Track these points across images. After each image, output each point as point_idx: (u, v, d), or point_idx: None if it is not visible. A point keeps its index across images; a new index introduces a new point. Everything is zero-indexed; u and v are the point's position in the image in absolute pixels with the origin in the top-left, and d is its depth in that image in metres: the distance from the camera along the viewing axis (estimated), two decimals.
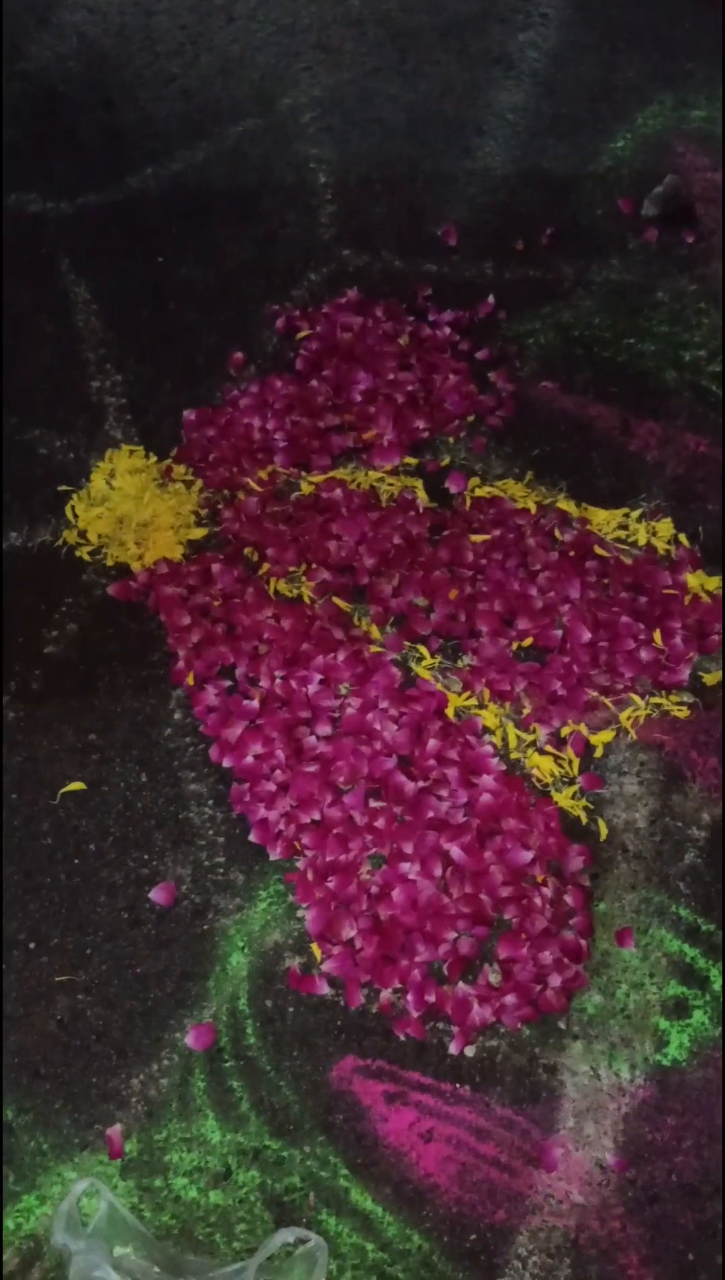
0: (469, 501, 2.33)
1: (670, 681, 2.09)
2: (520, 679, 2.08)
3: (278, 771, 2.00)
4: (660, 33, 2.82)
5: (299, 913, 1.90)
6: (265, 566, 2.26)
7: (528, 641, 2.13)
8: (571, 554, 2.22)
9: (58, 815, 2.02)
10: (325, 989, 1.83)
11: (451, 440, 2.45)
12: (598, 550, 2.23)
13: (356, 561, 2.23)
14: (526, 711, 2.06)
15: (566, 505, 2.32)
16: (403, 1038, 1.79)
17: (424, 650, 2.14)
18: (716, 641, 2.12)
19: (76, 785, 2.05)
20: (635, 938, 1.86)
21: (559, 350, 2.58)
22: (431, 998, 1.79)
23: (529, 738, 2.04)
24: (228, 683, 2.13)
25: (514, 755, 2.02)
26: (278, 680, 2.09)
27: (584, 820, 1.97)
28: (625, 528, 2.29)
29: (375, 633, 2.16)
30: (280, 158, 2.90)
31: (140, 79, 2.90)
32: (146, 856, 1.98)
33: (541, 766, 2.01)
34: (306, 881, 1.90)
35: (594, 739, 2.04)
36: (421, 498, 2.34)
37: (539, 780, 2.00)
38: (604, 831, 1.96)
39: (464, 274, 2.72)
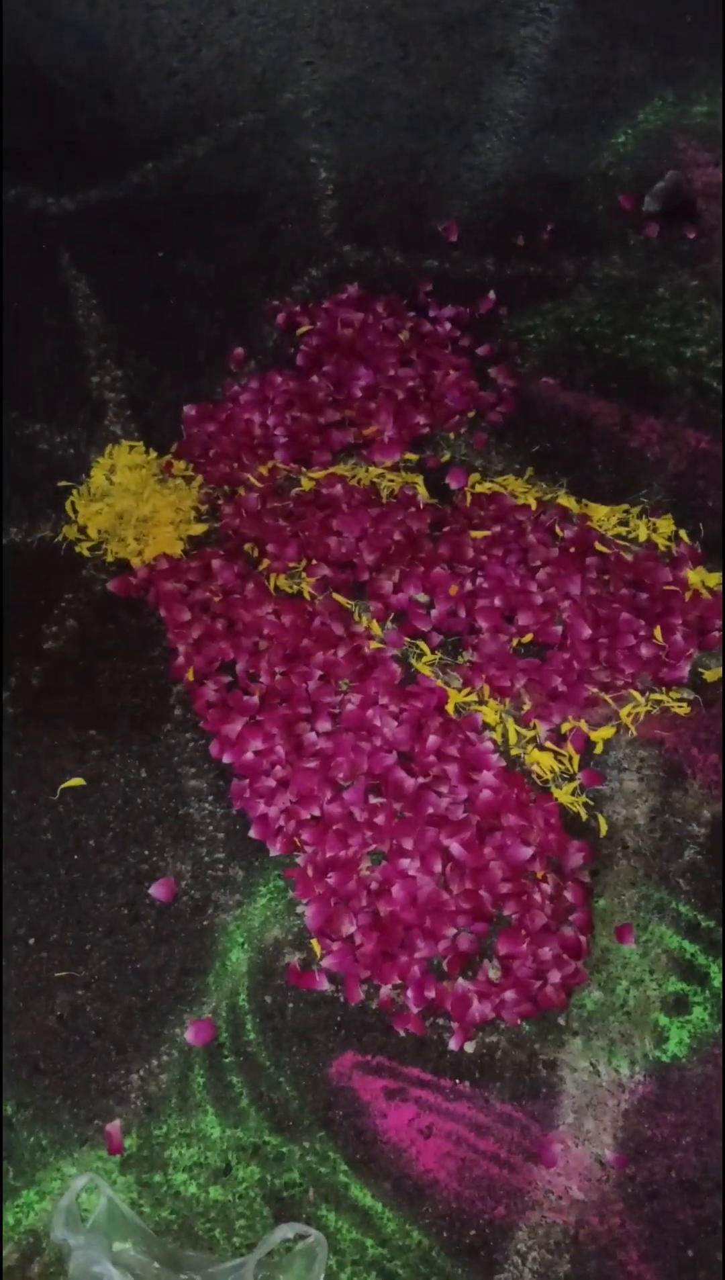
0: (469, 498, 2.33)
1: (670, 678, 2.09)
2: (520, 675, 2.08)
3: (278, 767, 2.00)
4: (661, 28, 2.81)
5: (299, 908, 1.90)
6: (265, 562, 2.26)
7: (528, 638, 2.13)
8: (572, 550, 2.22)
9: (57, 811, 2.02)
10: (325, 985, 1.83)
11: (452, 436, 2.45)
12: (598, 546, 2.23)
13: (357, 557, 2.23)
14: (527, 708, 2.06)
15: (567, 501, 2.32)
16: (402, 1034, 1.79)
17: (424, 646, 2.14)
18: (717, 638, 2.12)
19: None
20: (635, 934, 1.86)
21: (560, 346, 2.58)
22: (431, 994, 1.79)
23: (529, 734, 2.04)
24: (228, 678, 2.13)
25: (514, 751, 2.02)
26: (278, 676, 2.09)
27: (584, 816, 1.97)
28: (626, 524, 2.28)
29: (375, 629, 2.16)
30: (281, 153, 2.90)
31: (141, 73, 2.90)
32: (146, 852, 1.98)
33: (542, 763, 2.01)
34: (306, 877, 1.90)
35: (594, 735, 2.04)
36: (422, 494, 2.34)
37: (539, 776, 2.00)
38: (604, 828, 1.96)
39: (465, 270, 2.71)
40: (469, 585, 2.18)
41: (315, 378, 2.51)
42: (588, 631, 2.11)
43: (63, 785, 2.04)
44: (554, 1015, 1.80)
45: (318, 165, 2.88)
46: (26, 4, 2.89)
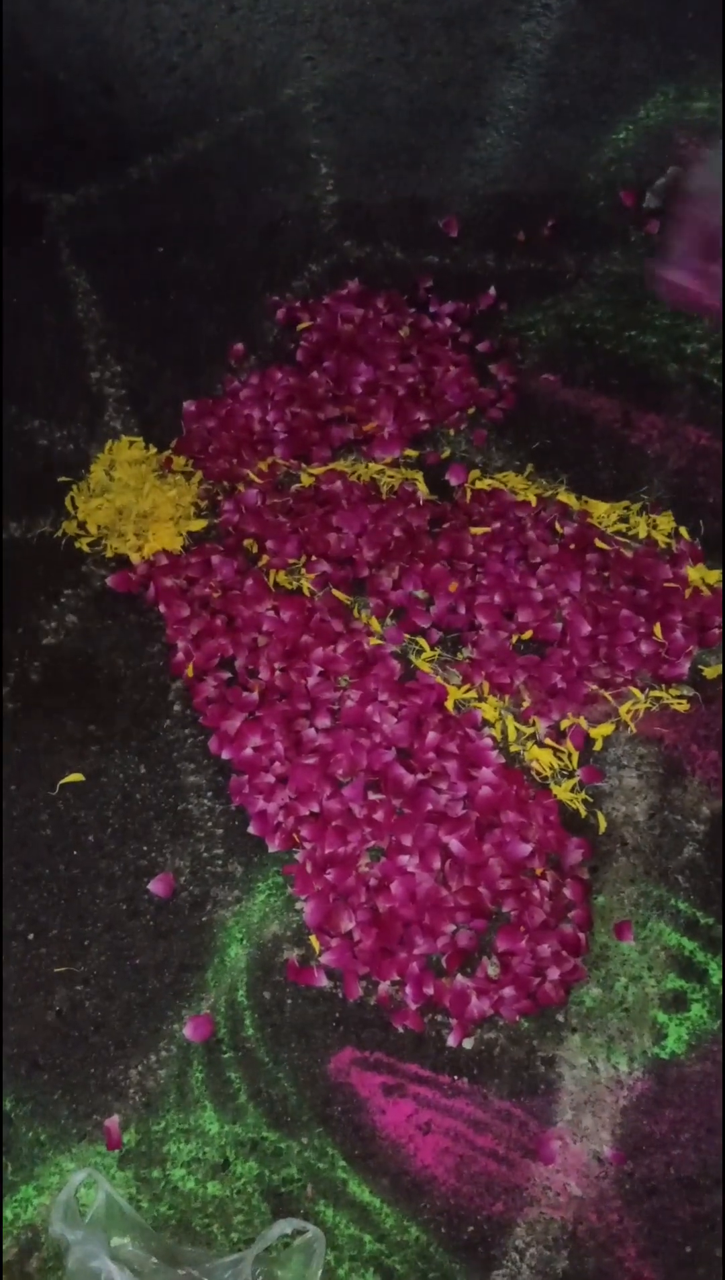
0: (469, 494, 2.33)
1: (670, 675, 2.09)
2: (520, 672, 2.08)
3: (277, 764, 2.00)
4: (663, 24, 2.81)
5: (297, 905, 1.90)
6: (265, 558, 2.25)
7: (528, 634, 2.13)
8: (572, 547, 2.22)
9: (56, 806, 2.02)
10: (324, 981, 1.83)
11: (452, 432, 2.44)
12: (598, 543, 2.22)
13: (356, 554, 2.23)
14: (526, 704, 2.06)
15: (567, 498, 2.31)
16: (401, 1030, 1.79)
17: (424, 643, 2.14)
18: (717, 635, 2.12)
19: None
20: (634, 931, 1.86)
21: (560, 342, 2.57)
22: (430, 990, 1.80)
23: (528, 731, 2.04)
24: (227, 675, 2.13)
25: (513, 748, 2.02)
26: (277, 672, 2.09)
27: (583, 813, 1.97)
28: (626, 521, 2.28)
29: (375, 625, 2.16)
30: (281, 148, 2.89)
31: (141, 68, 2.89)
32: (145, 848, 1.98)
33: (541, 759, 2.01)
34: (305, 873, 1.90)
35: (593, 732, 2.04)
36: (422, 490, 2.34)
37: (538, 773, 2.00)
38: (603, 825, 1.96)
39: (465, 266, 2.71)
40: (469, 582, 2.18)
41: (315, 373, 2.50)
42: (587, 628, 2.11)
43: (62, 780, 2.04)
44: (553, 1012, 1.80)
45: (318, 160, 2.87)
46: None
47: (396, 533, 2.24)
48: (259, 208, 2.83)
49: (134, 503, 2.35)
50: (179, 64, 2.88)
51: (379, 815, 1.92)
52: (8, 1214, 1.69)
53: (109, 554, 2.30)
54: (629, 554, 2.22)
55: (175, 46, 2.87)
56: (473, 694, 2.07)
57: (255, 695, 2.07)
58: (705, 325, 2.56)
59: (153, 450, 2.44)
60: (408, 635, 2.15)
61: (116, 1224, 1.60)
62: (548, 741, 2.03)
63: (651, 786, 2.00)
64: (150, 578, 2.24)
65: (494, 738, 2.02)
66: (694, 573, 2.19)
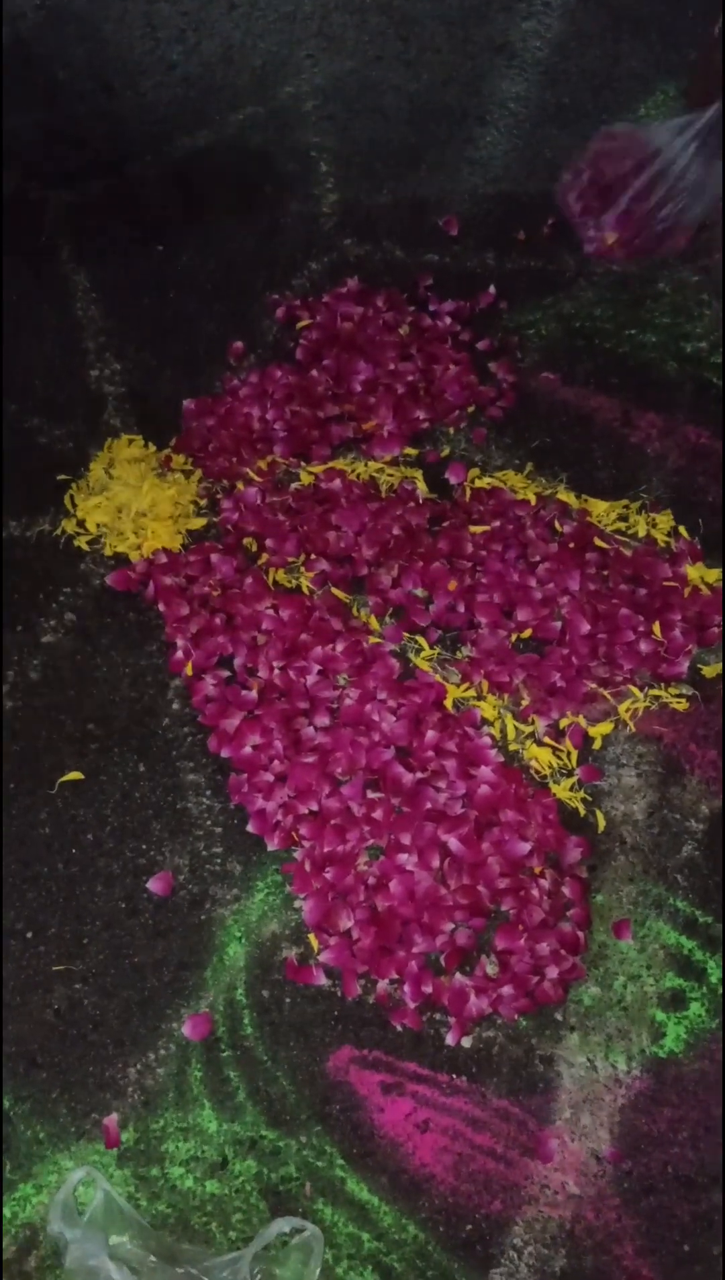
0: (469, 492, 2.32)
1: (669, 674, 2.09)
2: (519, 670, 2.08)
3: (276, 762, 2.00)
4: (663, 22, 2.81)
5: (296, 903, 1.90)
6: (264, 557, 2.25)
7: (527, 633, 2.13)
8: (571, 546, 2.22)
9: (56, 805, 2.02)
10: (322, 979, 1.83)
11: (451, 431, 2.44)
12: (598, 542, 2.22)
13: (356, 552, 2.23)
14: (525, 703, 2.06)
15: (567, 497, 2.31)
16: (399, 1028, 1.79)
17: (423, 641, 2.14)
18: (716, 634, 2.12)
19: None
20: (633, 929, 1.86)
21: (560, 341, 2.57)
22: (428, 988, 1.80)
23: (527, 729, 2.04)
24: (226, 673, 2.13)
25: (512, 747, 2.02)
26: (276, 671, 2.09)
27: (582, 812, 1.97)
28: (625, 519, 2.28)
29: (374, 624, 2.16)
30: (281, 146, 2.89)
31: (141, 66, 2.89)
32: (144, 846, 1.98)
33: (540, 758, 2.01)
34: (304, 872, 1.90)
35: (592, 731, 2.04)
36: (421, 488, 2.34)
37: (537, 772, 2.00)
38: (602, 823, 1.96)
39: (465, 264, 2.71)
40: (468, 580, 2.18)
41: (315, 372, 2.50)
42: (587, 627, 2.11)
43: (61, 779, 2.04)
44: (551, 1011, 1.80)
45: (318, 159, 2.87)
46: None
47: (396, 531, 2.24)
48: (258, 206, 2.83)
49: (133, 501, 2.35)
50: (179, 62, 2.88)
51: (378, 814, 1.92)
52: (6, 1212, 1.69)
53: (108, 552, 2.30)
54: (628, 553, 2.22)
55: (175, 45, 2.87)
56: (472, 693, 2.07)
57: (254, 694, 2.07)
58: (705, 324, 2.56)
59: (152, 448, 2.44)
60: (407, 634, 2.15)
61: (115, 1222, 1.60)
62: (547, 740, 2.03)
63: (650, 785, 2.00)
64: (149, 576, 2.24)
65: (493, 736, 2.02)
66: (693, 571, 2.19)
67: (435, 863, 1.88)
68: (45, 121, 2.95)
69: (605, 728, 2.04)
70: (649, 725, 2.05)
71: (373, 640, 2.12)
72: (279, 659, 2.10)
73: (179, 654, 2.15)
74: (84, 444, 2.46)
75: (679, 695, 2.08)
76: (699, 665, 2.11)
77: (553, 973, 1.80)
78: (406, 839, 1.89)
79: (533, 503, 2.29)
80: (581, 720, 2.05)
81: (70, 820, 2.01)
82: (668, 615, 2.12)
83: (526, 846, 1.88)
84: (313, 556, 2.23)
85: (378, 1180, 1.69)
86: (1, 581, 2.28)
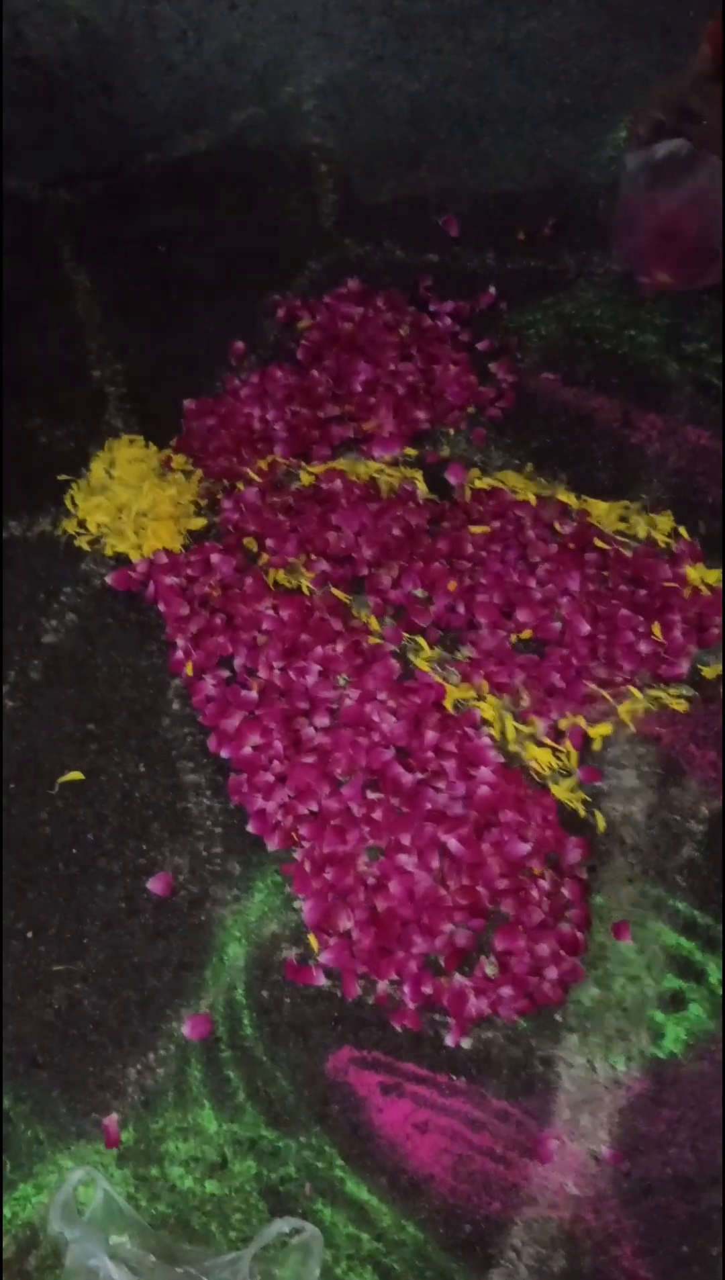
0: (469, 493, 2.33)
1: (669, 675, 2.09)
2: (519, 671, 2.08)
3: (276, 762, 2.00)
4: (664, 22, 2.81)
5: (296, 904, 1.90)
6: (264, 557, 2.25)
7: (527, 634, 2.13)
8: (571, 546, 2.22)
9: (56, 805, 2.02)
10: (322, 980, 1.83)
11: (451, 431, 2.44)
12: (598, 543, 2.22)
13: (356, 552, 2.23)
14: (525, 704, 2.06)
15: (566, 497, 2.31)
16: (399, 1029, 1.79)
17: (423, 642, 2.14)
18: (716, 635, 2.12)
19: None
20: (632, 931, 1.86)
21: (560, 341, 2.57)
22: (428, 989, 1.80)
23: (527, 730, 2.04)
24: (226, 673, 2.13)
25: (512, 747, 2.02)
26: (276, 671, 2.09)
27: (582, 813, 1.97)
28: (625, 520, 2.28)
29: (374, 624, 2.16)
30: (282, 146, 2.89)
31: (141, 66, 2.89)
32: (144, 846, 1.98)
33: (539, 759, 2.01)
34: (304, 872, 1.90)
35: (592, 732, 2.04)
36: (421, 489, 2.34)
37: (537, 772, 2.00)
38: (602, 824, 1.96)
39: (465, 264, 2.71)
40: (468, 581, 2.18)
41: (315, 372, 2.50)
42: (586, 628, 2.11)
43: (61, 779, 2.04)
44: (551, 1011, 1.80)
45: (318, 159, 2.87)
46: None
47: (396, 531, 2.24)
48: (259, 206, 2.83)
49: (134, 501, 2.35)
50: (179, 62, 2.88)
51: (377, 814, 1.92)
52: (6, 1212, 1.69)
53: (109, 552, 2.30)
54: (628, 553, 2.22)
55: (175, 45, 2.87)
56: (472, 693, 2.07)
57: (254, 694, 2.08)
58: (705, 325, 2.56)
59: (153, 448, 2.44)
60: (407, 634, 2.15)
61: (115, 1222, 1.60)
62: (546, 741, 2.03)
63: (650, 786, 2.00)
64: (150, 576, 2.25)
65: (493, 737, 2.02)
66: (693, 572, 2.19)
67: (435, 863, 1.88)
68: (45, 121, 2.95)
69: (605, 728, 2.04)
70: (649, 726, 2.05)
71: (373, 640, 2.12)
72: (279, 659, 2.10)
73: (179, 654, 2.15)
74: (85, 444, 2.46)
75: (679, 696, 2.08)
76: (699, 666, 2.11)
77: (552, 974, 1.80)
78: (406, 839, 1.89)
79: (533, 503, 2.29)
80: (581, 721, 2.05)
81: (70, 820, 2.01)
82: (668, 616, 2.12)
83: (526, 847, 1.88)
84: (313, 557, 2.23)
85: (377, 1181, 1.69)
86: (1, 581, 2.28)
